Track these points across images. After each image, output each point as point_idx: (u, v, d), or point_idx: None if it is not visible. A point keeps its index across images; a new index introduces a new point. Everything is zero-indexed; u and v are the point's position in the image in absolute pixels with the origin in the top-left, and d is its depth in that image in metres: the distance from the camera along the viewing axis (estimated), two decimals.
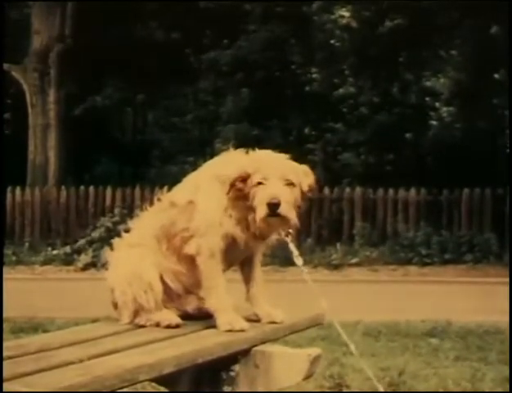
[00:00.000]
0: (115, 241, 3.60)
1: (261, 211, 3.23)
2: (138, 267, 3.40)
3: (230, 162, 3.43)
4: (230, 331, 3.29)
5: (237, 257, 3.48)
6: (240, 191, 3.30)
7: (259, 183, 3.26)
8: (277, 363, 3.32)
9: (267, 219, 3.23)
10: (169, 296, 3.46)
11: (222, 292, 3.37)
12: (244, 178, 3.29)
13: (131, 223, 3.63)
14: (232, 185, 3.30)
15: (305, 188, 3.36)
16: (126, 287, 3.40)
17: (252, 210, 3.28)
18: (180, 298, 3.49)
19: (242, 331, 3.30)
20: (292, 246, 3.50)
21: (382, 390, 3.68)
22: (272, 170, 3.27)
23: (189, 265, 3.41)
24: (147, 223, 3.53)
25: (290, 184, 3.28)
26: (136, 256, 3.43)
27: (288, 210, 3.24)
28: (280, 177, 3.26)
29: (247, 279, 3.56)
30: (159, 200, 3.59)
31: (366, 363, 3.45)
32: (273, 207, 3.20)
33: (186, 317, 3.47)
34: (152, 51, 21.96)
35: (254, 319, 3.50)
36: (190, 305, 3.49)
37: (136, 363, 2.70)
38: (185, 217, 3.40)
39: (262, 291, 3.56)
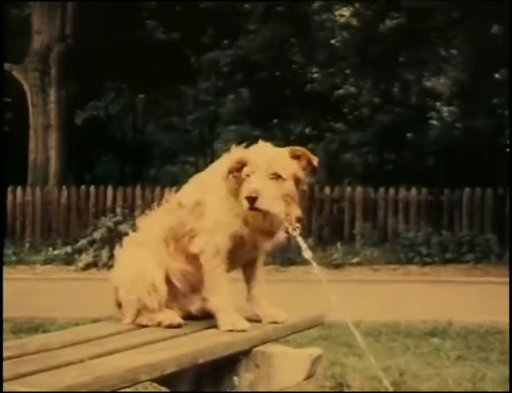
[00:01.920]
0: (125, 239, 3.58)
1: (244, 205, 3.23)
2: (143, 267, 3.39)
3: (230, 160, 3.43)
4: (231, 331, 3.29)
5: (243, 257, 3.48)
6: (237, 182, 3.31)
7: (247, 176, 3.27)
8: (278, 363, 3.31)
9: (249, 212, 3.24)
10: (174, 296, 3.46)
11: (224, 292, 3.36)
12: (240, 168, 3.30)
13: (138, 222, 3.62)
14: (230, 172, 3.30)
15: (301, 175, 3.36)
16: (130, 287, 3.40)
17: None
18: (185, 298, 3.49)
19: (243, 331, 3.30)
20: (300, 240, 3.47)
21: (391, 390, 3.66)
22: (259, 163, 3.27)
23: (197, 265, 3.41)
24: (155, 223, 3.53)
25: (277, 177, 3.26)
26: (141, 256, 3.43)
27: (269, 204, 3.22)
28: (264, 170, 3.25)
29: (249, 279, 3.56)
30: (167, 201, 3.59)
31: (374, 365, 3.42)
32: (252, 201, 3.20)
33: (188, 317, 3.46)
34: (152, 52, 21.96)
35: (256, 319, 3.49)
36: (194, 306, 3.49)
37: (138, 364, 2.70)
38: (193, 217, 3.40)
39: (264, 292, 3.55)
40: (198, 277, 3.43)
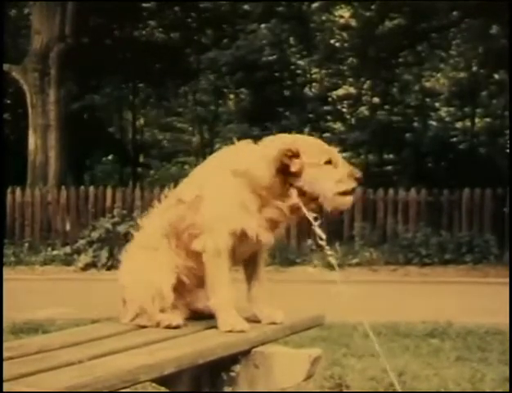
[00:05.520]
0: (128, 245, 3.57)
1: (350, 183, 3.33)
2: (151, 274, 3.37)
3: (240, 154, 3.40)
4: (230, 331, 3.29)
5: (244, 253, 3.45)
6: (285, 168, 3.28)
7: (328, 163, 3.31)
8: (277, 363, 3.31)
9: (348, 195, 3.34)
10: (181, 294, 3.45)
11: (224, 292, 3.35)
12: (294, 155, 3.29)
13: (140, 222, 3.60)
14: (280, 159, 3.27)
15: None
16: (135, 290, 3.39)
17: (300, 188, 3.30)
18: (191, 293, 3.48)
19: (243, 331, 3.29)
20: (318, 230, 3.42)
21: (400, 389, 3.66)
22: (332, 150, 3.37)
23: (199, 260, 3.39)
24: (156, 221, 3.51)
25: None
26: (149, 263, 3.40)
27: None
28: (340, 158, 3.39)
29: (249, 279, 3.54)
30: (165, 196, 3.56)
31: (388, 369, 3.43)
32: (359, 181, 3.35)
33: (194, 314, 3.46)
34: (152, 51, 21.97)
35: (254, 320, 3.49)
36: (201, 301, 3.48)
37: (137, 364, 2.70)
38: (192, 212, 3.37)
39: (264, 292, 3.55)
40: (202, 272, 3.40)
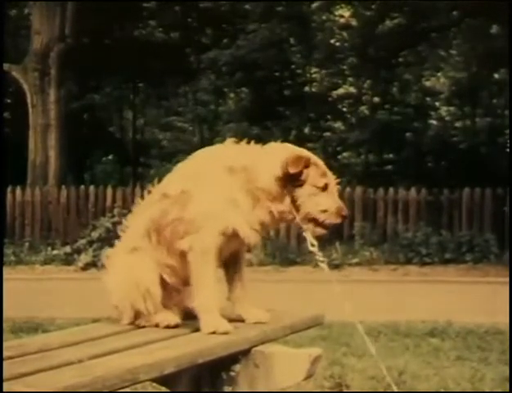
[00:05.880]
0: (109, 250, 3.54)
1: (333, 219, 3.32)
2: (136, 274, 3.32)
3: (237, 151, 3.36)
4: (213, 333, 3.22)
5: (226, 252, 3.39)
6: (296, 174, 3.26)
7: (324, 188, 3.30)
8: (278, 363, 3.31)
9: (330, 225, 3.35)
10: (169, 293, 3.40)
11: (209, 293, 3.28)
12: (307, 165, 3.28)
13: (125, 221, 3.53)
14: (299, 164, 3.25)
15: None
16: (125, 294, 3.35)
17: (293, 198, 3.28)
18: (179, 293, 3.43)
19: (226, 333, 3.23)
20: (309, 237, 3.39)
21: (396, 389, 3.66)
22: (332, 178, 3.35)
23: (181, 258, 3.32)
24: (139, 219, 3.44)
25: None
26: (133, 263, 3.35)
27: None
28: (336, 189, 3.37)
29: (231, 280, 3.47)
30: (149, 193, 3.49)
31: (369, 364, 3.43)
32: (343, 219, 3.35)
33: (189, 314, 3.44)
34: (152, 51, 21.98)
35: (237, 319, 3.45)
36: (190, 300, 3.43)
37: (137, 364, 2.70)
38: (177, 207, 3.29)
39: (247, 292, 3.49)
40: (185, 271, 3.32)
